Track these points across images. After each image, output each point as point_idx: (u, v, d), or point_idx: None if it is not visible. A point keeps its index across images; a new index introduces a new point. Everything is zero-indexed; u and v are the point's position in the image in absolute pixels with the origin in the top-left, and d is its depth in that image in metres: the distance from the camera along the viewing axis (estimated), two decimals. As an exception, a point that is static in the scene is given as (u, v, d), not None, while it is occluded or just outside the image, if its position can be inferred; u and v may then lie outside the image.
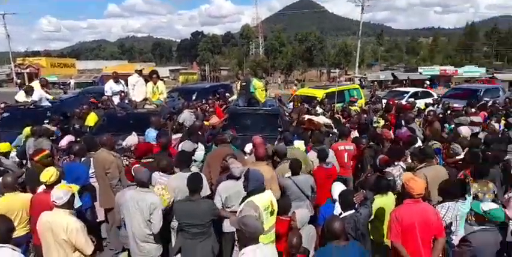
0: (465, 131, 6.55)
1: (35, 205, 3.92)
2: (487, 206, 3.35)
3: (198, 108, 9.58)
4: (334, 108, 10.40)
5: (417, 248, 3.42)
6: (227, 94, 12.62)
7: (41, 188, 4.15)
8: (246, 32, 64.70)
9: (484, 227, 3.34)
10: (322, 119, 7.91)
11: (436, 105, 11.11)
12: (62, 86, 32.34)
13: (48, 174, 3.89)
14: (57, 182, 3.92)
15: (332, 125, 7.82)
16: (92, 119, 8.11)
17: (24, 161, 6.41)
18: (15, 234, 3.67)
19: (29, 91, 8.40)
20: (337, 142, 6.37)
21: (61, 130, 7.54)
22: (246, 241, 2.94)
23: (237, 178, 4.16)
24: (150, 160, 4.92)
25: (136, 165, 4.27)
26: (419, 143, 6.35)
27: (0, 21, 46.36)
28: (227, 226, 4.08)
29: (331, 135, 7.27)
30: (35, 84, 8.97)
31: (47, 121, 7.62)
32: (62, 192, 3.42)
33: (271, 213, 3.70)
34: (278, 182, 4.64)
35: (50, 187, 3.88)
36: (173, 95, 11.76)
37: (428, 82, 36.26)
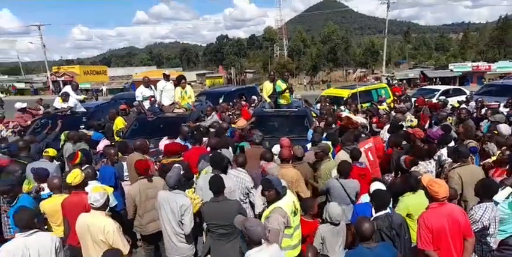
0: (504, 129, 6.30)
1: (67, 207, 4.01)
2: None
3: (225, 111, 9.73)
4: (357, 107, 10.27)
5: (449, 252, 3.31)
6: (254, 97, 12.70)
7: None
8: (268, 34, 64.85)
9: None
10: (360, 120, 7.84)
11: (469, 103, 10.74)
12: (95, 93, 33.67)
13: (73, 176, 4.02)
14: (82, 184, 4.07)
15: (367, 126, 7.72)
16: (119, 122, 8.39)
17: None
18: (58, 234, 3.91)
19: (66, 98, 8.80)
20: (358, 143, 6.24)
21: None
22: (249, 241, 3.01)
23: None
24: (176, 159, 5.04)
25: (176, 165, 4.36)
26: (452, 143, 6.18)
27: (37, 32, 48.64)
28: None
29: (363, 135, 7.18)
30: (67, 88, 9.38)
31: (83, 126, 7.96)
32: (98, 194, 3.56)
33: (295, 213, 3.72)
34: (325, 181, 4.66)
35: (75, 188, 4.04)
36: (201, 98, 11.98)
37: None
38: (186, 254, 4.08)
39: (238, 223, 3.13)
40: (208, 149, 5.75)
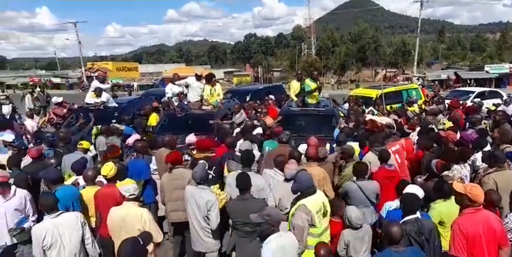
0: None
1: (100, 199, 4.15)
2: None
3: (252, 109, 9.77)
4: (384, 108, 10.05)
5: (484, 259, 3.18)
6: (271, 96, 12.63)
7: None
8: (297, 32, 64.37)
9: None
10: (385, 120, 7.68)
11: (506, 106, 10.28)
12: (126, 88, 34.65)
13: (108, 168, 4.20)
14: (116, 176, 4.20)
15: (394, 125, 7.55)
16: (153, 119, 8.62)
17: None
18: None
19: (99, 93, 9.11)
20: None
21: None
22: (270, 231, 3.14)
23: (289, 180, 4.13)
24: (208, 154, 5.13)
25: (201, 161, 4.46)
26: (488, 147, 5.93)
27: (73, 29, 50.44)
28: None
29: (393, 135, 7.02)
30: (96, 83, 9.75)
31: (115, 121, 8.21)
32: (131, 186, 3.68)
33: (324, 214, 3.68)
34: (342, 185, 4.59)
35: (109, 180, 4.21)
36: (228, 96, 12.08)
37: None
38: (212, 249, 4.15)
39: (258, 216, 3.22)
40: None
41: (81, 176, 4.65)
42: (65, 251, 3.55)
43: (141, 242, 2.90)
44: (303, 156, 5.29)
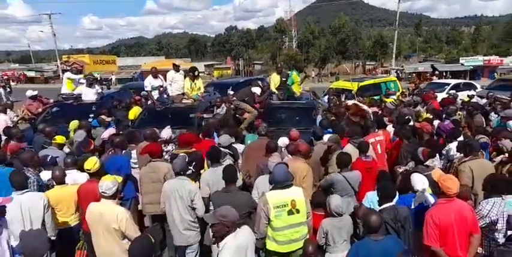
0: (514, 125, 6.23)
1: (81, 194, 4.16)
2: None
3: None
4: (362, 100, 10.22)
5: (455, 248, 3.31)
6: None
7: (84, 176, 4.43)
8: (280, 25, 64.05)
9: None
10: (365, 107, 7.82)
11: (477, 97, 10.63)
12: (104, 82, 33.87)
13: (92, 162, 4.18)
14: (99, 171, 4.17)
15: (371, 115, 7.69)
16: (134, 112, 8.48)
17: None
18: (69, 224, 4.12)
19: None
20: (367, 135, 6.14)
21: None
22: (225, 232, 2.91)
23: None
24: (188, 150, 5.07)
25: (181, 154, 4.44)
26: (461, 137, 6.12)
27: (47, 21, 48.67)
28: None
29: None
30: (68, 74, 9.77)
31: (92, 115, 8.03)
32: (110, 183, 3.58)
33: (290, 212, 3.60)
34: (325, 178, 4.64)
35: (93, 175, 4.18)
36: (209, 89, 11.98)
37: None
38: (191, 242, 4.17)
39: (210, 217, 3.04)
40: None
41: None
42: (24, 228, 3.73)
43: (153, 240, 2.87)
44: (283, 149, 5.32)
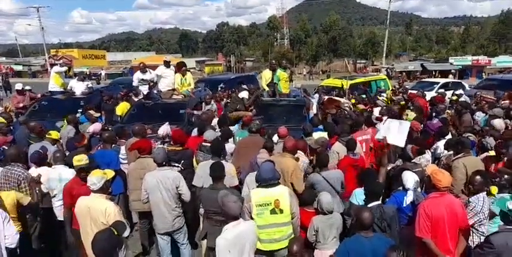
0: (498, 123, 6.32)
1: (67, 190, 4.07)
2: None
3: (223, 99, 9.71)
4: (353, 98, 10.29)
5: (445, 241, 3.37)
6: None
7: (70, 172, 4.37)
8: (272, 22, 63.91)
9: (509, 227, 2.97)
10: (342, 100, 7.89)
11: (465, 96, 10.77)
12: (93, 77, 33.47)
13: (81, 157, 4.12)
14: (89, 167, 4.09)
15: (351, 106, 7.74)
16: (121, 108, 8.38)
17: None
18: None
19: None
20: (355, 133, 6.13)
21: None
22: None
23: None
24: (177, 148, 5.04)
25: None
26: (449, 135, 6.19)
27: (35, 14, 47.73)
28: None
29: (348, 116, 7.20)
30: (56, 68, 9.63)
31: (80, 110, 7.92)
32: (95, 178, 3.53)
33: (273, 211, 3.56)
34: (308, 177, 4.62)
35: (81, 171, 4.09)
36: (199, 85, 11.93)
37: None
38: (178, 226, 4.25)
39: (219, 196, 3.17)
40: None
41: (41, 168, 4.52)
42: None
43: (116, 233, 2.81)
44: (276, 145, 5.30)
